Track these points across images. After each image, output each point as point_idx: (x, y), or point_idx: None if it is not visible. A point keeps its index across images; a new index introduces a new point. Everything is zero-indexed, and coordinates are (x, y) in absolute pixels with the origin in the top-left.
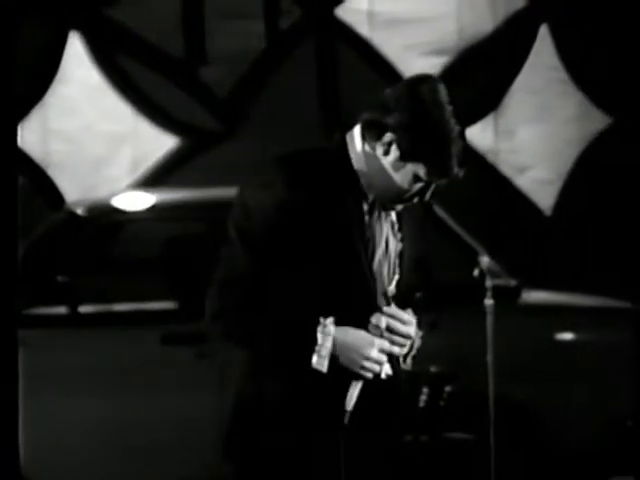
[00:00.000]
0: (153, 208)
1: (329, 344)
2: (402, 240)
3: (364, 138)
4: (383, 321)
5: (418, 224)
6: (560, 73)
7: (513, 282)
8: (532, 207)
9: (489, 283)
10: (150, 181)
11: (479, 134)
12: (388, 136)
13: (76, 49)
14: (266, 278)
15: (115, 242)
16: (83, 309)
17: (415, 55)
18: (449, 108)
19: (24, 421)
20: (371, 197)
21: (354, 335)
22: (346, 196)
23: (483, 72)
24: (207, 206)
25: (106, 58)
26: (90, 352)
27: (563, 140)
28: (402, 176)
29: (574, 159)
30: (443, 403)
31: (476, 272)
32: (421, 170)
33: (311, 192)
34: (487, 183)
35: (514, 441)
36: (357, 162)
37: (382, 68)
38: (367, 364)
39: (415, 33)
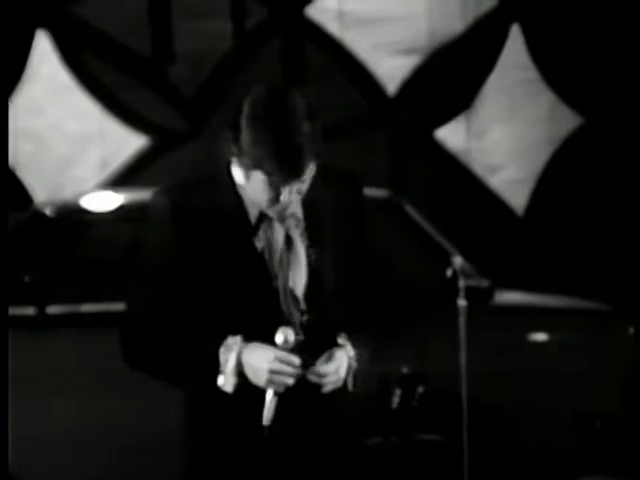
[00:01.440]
0: (121, 208)
1: (232, 363)
2: (317, 247)
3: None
4: (289, 334)
5: (343, 229)
6: (531, 73)
7: (485, 283)
8: (504, 207)
9: (462, 283)
10: (118, 181)
11: (450, 134)
12: (231, 130)
13: (43, 47)
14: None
15: (82, 242)
16: (50, 310)
17: (385, 55)
18: (282, 114)
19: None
20: (256, 211)
21: (256, 350)
22: (230, 213)
23: (454, 72)
24: None
25: (73, 57)
26: (57, 353)
27: (535, 140)
28: (254, 185)
29: (546, 159)
30: (415, 404)
31: (449, 272)
32: (260, 175)
33: (196, 214)
34: (459, 183)
35: (486, 442)
36: (237, 178)
37: (352, 68)
38: (272, 377)
39: (385, 33)
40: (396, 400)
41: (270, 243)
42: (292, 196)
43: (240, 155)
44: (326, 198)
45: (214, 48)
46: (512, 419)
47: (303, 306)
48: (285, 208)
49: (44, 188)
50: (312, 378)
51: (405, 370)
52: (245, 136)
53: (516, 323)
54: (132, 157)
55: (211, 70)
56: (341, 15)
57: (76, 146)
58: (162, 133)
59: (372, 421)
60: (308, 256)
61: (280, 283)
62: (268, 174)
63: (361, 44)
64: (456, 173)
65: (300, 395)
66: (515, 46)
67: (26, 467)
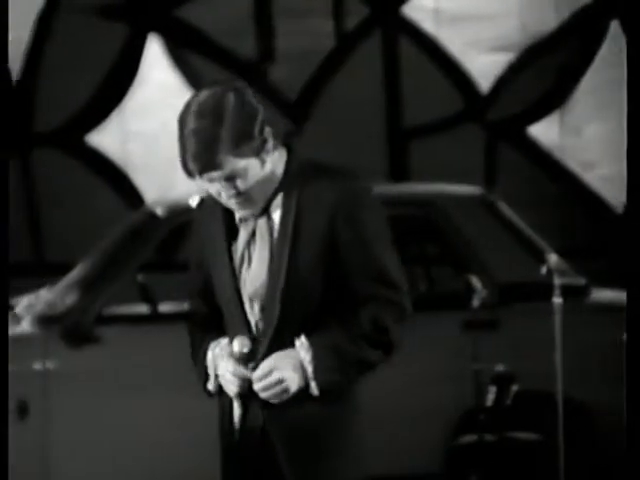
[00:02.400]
0: None
1: (211, 365)
2: (286, 244)
3: None
4: (235, 345)
5: (323, 228)
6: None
7: (582, 280)
8: (602, 204)
9: (557, 281)
10: None
11: (544, 131)
12: None
13: (154, 52)
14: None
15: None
16: (162, 307)
17: (479, 51)
18: (189, 115)
19: (105, 420)
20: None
21: (222, 359)
22: (227, 215)
23: (548, 69)
24: None
25: (181, 59)
26: (170, 350)
27: None
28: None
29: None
30: (509, 402)
31: (543, 270)
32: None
33: (210, 215)
34: (553, 180)
35: (581, 442)
36: None
37: (446, 65)
38: (224, 382)
39: (479, 30)
40: (490, 398)
41: (243, 249)
42: (228, 192)
43: None
44: (306, 196)
45: (316, 47)
46: (607, 419)
47: (257, 309)
48: (231, 202)
49: (154, 188)
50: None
51: (500, 368)
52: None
53: (613, 322)
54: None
55: (313, 69)
56: (436, 13)
57: None
58: None
59: (466, 419)
60: (271, 255)
61: (241, 284)
62: (187, 174)
63: (455, 41)
64: (550, 169)
65: (266, 403)
66: (614, 43)
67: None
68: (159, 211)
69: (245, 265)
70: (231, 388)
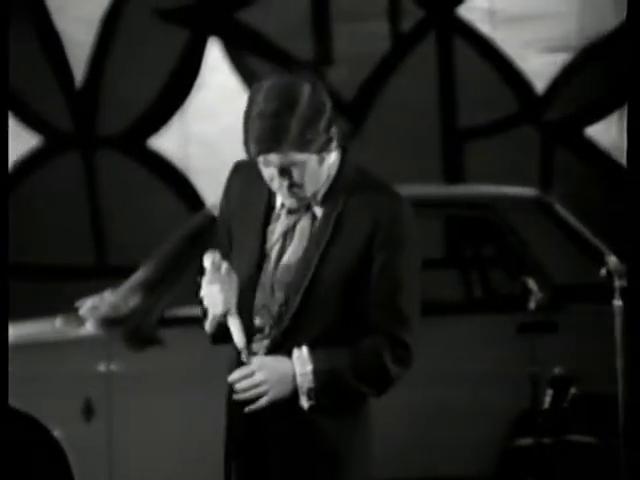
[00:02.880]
0: None
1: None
2: (323, 249)
3: None
4: (206, 260)
5: (364, 243)
6: None
7: None
8: None
9: (617, 284)
10: None
11: (603, 131)
12: None
13: (214, 55)
14: None
15: None
16: None
17: (535, 52)
18: (264, 98)
19: (168, 420)
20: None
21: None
22: (262, 197)
23: (606, 70)
24: None
25: (241, 62)
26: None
27: None
28: (261, 169)
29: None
30: (567, 405)
31: (603, 272)
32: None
33: (239, 192)
34: (612, 181)
35: None
36: None
37: (503, 65)
38: (207, 303)
39: (535, 30)
40: (548, 400)
41: (280, 238)
42: (282, 180)
43: None
44: (352, 205)
45: (372, 50)
46: None
47: (280, 298)
48: (282, 191)
49: (215, 191)
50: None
51: (557, 371)
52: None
53: None
54: None
55: (369, 71)
56: (491, 13)
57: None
58: None
59: (523, 421)
60: (306, 252)
61: (268, 267)
62: (248, 154)
63: (511, 42)
64: (609, 170)
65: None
66: None
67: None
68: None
69: (276, 252)
70: (211, 306)
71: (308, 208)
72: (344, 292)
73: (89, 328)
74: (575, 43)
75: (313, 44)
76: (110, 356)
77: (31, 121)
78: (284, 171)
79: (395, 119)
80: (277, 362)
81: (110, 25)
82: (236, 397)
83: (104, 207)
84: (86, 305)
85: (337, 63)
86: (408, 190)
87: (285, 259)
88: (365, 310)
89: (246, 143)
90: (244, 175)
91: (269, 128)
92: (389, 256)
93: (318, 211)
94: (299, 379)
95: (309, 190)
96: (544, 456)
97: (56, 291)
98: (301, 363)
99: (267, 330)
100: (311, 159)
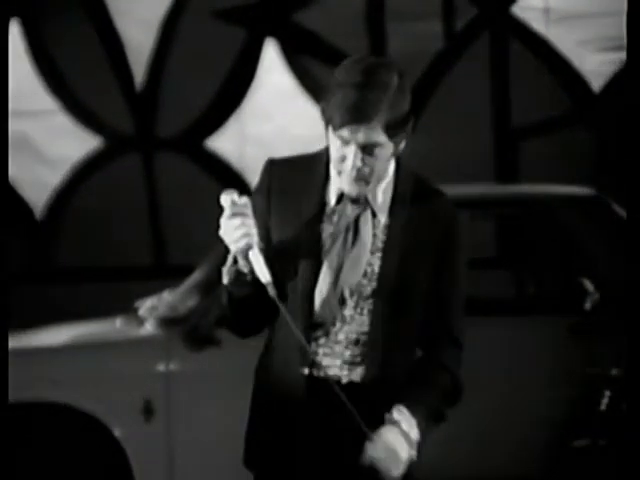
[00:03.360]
0: None
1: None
2: (389, 253)
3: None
4: (224, 199)
5: (426, 250)
6: None
7: None
8: None
9: None
10: None
11: None
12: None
13: (270, 55)
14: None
15: None
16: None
17: (590, 51)
18: (357, 71)
19: (226, 419)
20: (337, 190)
21: None
22: (313, 190)
23: None
24: None
25: (297, 63)
26: None
27: None
28: (331, 146)
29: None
30: (625, 407)
31: None
32: (338, 132)
33: (284, 187)
34: None
35: None
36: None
37: (557, 64)
38: (226, 237)
39: (590, 29)
40: (605, 402)
41: (337, 229)
42: (357, 160)
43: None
44: (420, 213)
45: (426, 49)
46: None
47: (351, 302)
48: (353, 175)
49: None
50: (365, 460)
51: (615, 372)
52: (323, 95)
53: None
54: None
55: (423, 70)
56: (546, 12)
57: (301, 149)
58: None
59: (580, 423)
60: (380, 252)
61: (327, 268)
62: (334, 124)
63: (566, 41)
64: None
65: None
66: None
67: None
68: None
69: (338, 249)
70: (232, 242)
71: (366, 203)
72: (416, 302)
73: (148, 328)
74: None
75: (367, 44)
76: (169, 356)
77: (93, 123)
78: (364, 149)
79: (449, 117)
80: (397, 435)
81: (169, 27)
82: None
83: (163, 208)
84: (145, 305)
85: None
86: (464, 190)
87: (351, 258)
88: (428, 318)
89: (330, 113)
90: (283, 172)
91: (364, 99)
92: (453, 264)
93: (378, 209)
94: (411, 451)
95: (375, 181)
96: (600, 458)
97: (118, 291)
98: (406, 421)
99: (328, 327)
100: (389, 146)
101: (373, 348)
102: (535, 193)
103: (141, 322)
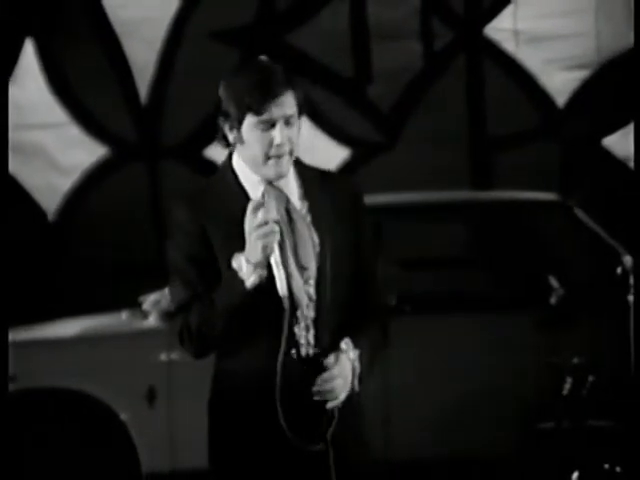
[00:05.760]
0: None
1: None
2: (320, 233)
3: (228, 147)
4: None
5: (343, 226)
6: None
7: None
8: None
9: (632, 281)
10: None
11: (618, 142)
12: (222, 122)
13: None
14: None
15: None
16: None
17: (556, 69)
18: (252, 62)
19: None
20: (257, 192)
21: None
22: (234, 201)
23: (623, 84)
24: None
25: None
26: None
27: None
28: (249, 142)
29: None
30: (586, 392)
31: (619, 270)
32: (250, 119)
33: (207, 209)
34: (628, 188)
35: None
36: (236, 166)
37: (526, 82)
38: (255, 241)
39: (557, 49)
40: (567, 388)
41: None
42: (284, 136)
43: (230, 123)
44: (326, 194)
45: (407, 67)
46: None
47: (312, 283)
48: (282, 151)
49: None
50: (317, 389)
51: (576, 360)
52: (228, 99)
53: None
54: (339, 167)
55: (404, 87)
56: (516, 33)
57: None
58: (362, 145)
59: (545, 407)
60: (311, 238)
61: (286, 263)
62: (254, 109)
63: (534, 60)
64: (624, 178)
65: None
66: None
67: None
68: None
69: (286, 238)
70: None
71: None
72: (349, 266)
73: (152, 321)
74: (594, 60)
75: (353, 62)
76: (171, 346)
77: (102, 134)
78: (287, 124)
79: (429, 130)
80: (345, 362)
81: (171, 47)
82: (316, 398)
83: (167, 210)
84: (149, 300)
85: (376, 80)
86: (440, 196)
87: (299, 244)
88: (359, 278)
89: (246, 102)
90: (195, 204)
91: (276, 75)
92: (364, 230)
93: (295, 200)
94: (355, 365)
95: (291, 161)
96: (564, 439)
97: (124, 287)
98: (351, 351)
99: (304, 313)
100: (298, 123)
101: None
102: (504, 199)
103: (145, 315)
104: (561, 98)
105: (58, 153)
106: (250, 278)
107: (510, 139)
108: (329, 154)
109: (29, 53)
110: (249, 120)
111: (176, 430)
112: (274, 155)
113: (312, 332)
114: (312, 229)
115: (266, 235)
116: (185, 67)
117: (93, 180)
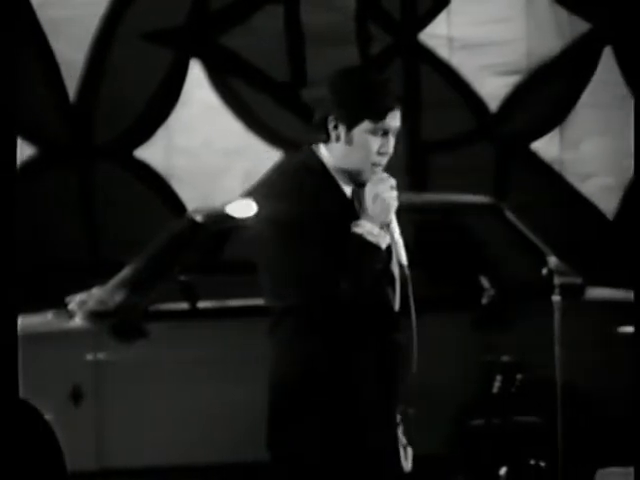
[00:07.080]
0: None
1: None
2: None
3: (324, 142)
4: None
5: None
6: (621, 90)
7: (578, 280)
8: (596, 211)
9: (557, 281)
10: None
11: (546, 145)
12: (331, 119)
13: (196, 74)
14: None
15: (229, 245)
16: (201, 304)
17: (489, 75)
18: (372, 72)
19: (151, 404)
20: (349, 186)
21: None
22: (327, 190)
23: (550, 89)
24: None
25: (221, 81)
26: (208, 341)
27: (625, 152)
28: (359, 144)
29: (635, 169)
30: (514, 390)
31: (545, 271)
32: (367, 124)
33: (301, 196)
34: (554, 189)
35: (578, 424)
36: (328, 163)
37: (460, 87)
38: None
39: (489, 55)
40: (497, 385)
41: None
42: (391, 146)
43: (341, 122)
44: None
45: None
46: (602, 404)
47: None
48: (385, 160)
49: (196, 198)
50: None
51: (505, 358)
52: (345, 101)
53: (606, 317)
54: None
55: None
56: (450, 40)
57: (224, 160)
58: (295, 147)
59: (475, 404)
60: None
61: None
62: (375, 117)
63: (468, 66)
64: (551, 180)
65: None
66: (607, 66)
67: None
68: (199, 218)
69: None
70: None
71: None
72: None
73: (78, 321)
74: (524, 66)
75: (287, 65)
76: (97, 346)
77: (29, 133)
78: (392, 135)
79: None
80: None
81: (101, 46)
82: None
83: (97, 209)
84: (75, 300)
85: (311, 84)
86: None
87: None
88: None
89: (364, 108)
90: (308, 186)
91: (389, 89)
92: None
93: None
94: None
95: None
96: (493, 435)
97: (52, 286)
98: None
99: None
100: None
101: None
102: (442, 200)
103: (71, 315)
104: (493, 103)
105: None
106: (385, 241)
107: (446, 142)
108: (262, 155)
109: None
110: (365, 125)
111: (103, 430)
112: (378, 162)
113: None
114: None
115: (394, 198)
116: (116, 67)
117: (23, 179)
